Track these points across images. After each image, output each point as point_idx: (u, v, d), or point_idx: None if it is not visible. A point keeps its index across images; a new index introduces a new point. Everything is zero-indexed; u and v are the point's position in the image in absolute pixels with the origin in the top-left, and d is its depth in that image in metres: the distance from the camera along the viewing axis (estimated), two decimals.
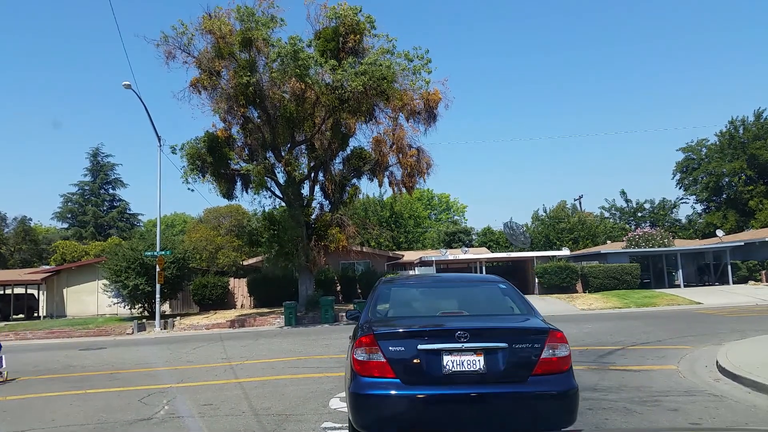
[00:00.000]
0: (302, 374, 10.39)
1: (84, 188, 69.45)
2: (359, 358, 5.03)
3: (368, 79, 20.93)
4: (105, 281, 30.69)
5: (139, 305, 30.42)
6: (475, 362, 4.86)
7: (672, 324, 17.58)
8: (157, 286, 27.22)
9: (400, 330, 5.23)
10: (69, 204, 68.72)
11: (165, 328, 26.80)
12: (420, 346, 4.91)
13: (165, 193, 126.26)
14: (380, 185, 30.89)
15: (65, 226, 68.85)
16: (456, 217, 76.93)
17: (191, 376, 10.95)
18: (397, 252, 43.71)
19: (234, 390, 9.08)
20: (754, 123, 55.21)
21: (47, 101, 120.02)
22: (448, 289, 7.00)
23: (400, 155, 30.72)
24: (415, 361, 4.90)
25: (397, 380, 4.86)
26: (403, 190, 31.85)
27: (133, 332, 26.25)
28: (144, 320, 27.97)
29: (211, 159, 24.97)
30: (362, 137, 47.72)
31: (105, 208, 70.00)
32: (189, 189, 27.34)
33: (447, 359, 4.88)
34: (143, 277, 28.51)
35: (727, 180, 56.32)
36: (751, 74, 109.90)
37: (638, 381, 8.71)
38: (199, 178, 25.49)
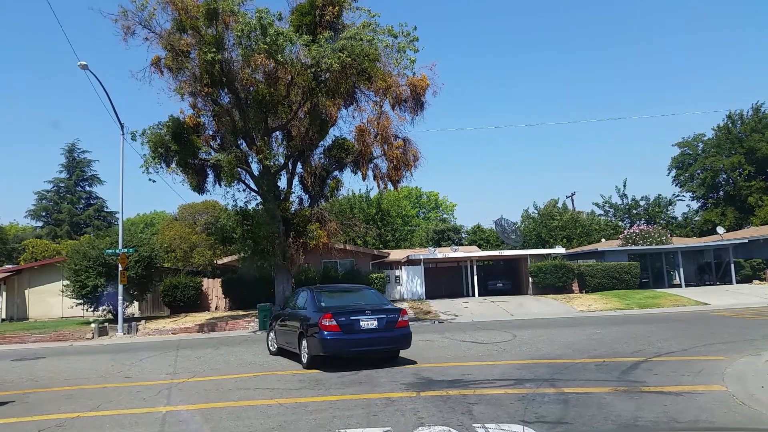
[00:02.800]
0: (250, 401, 8.15)
1: (59, 185, 66.63)
2: (324, 323, 10.64)
3: (347, 56, 18.69)
4: (66, 281, 28.32)
5: (103, 307, 28.06)
6: (374, 323, 10.91)
7: (690, 329, 15.54)
8: (120, 287, 24.93)
9: (343, 310, 11.06)
10: (43, 202, 65.88)
11: (128, 333, 24.55)
12: (351, 317, 10.84)
13: (143, 190, 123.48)
14: (364, 178, 28.70)
15: (40, 224, 66.09)
16: (445, 216, 74.89)
17: (114, 400, 8.73)
18: (383, 250, 41.48)
19: (151, 426, 6.85)
20: (752, 117, 53.55)
21: (21, 96, 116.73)
22: (347, 293, 13.77)
23: (386, 146, 28.60)
24: (349, 323, 10.75)
25: (341, 332, 10.66)
26: (389, 184, 29.75)
27: (93, 337, 24.01)
28: (106, 324, 25.63)
29: (176, 147, 22.64)
30: (344, 126, 45.26)
31: (81, 206, 67.22)
32: (150, 180, 24.92)
33: (362, 322, 10.85)
34: (104, 277, 26.19)
35: (725, 176, 54.60)
36: (749, 72, 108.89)
37: (689, 410, 6.57)
38: (162, 168, 23.14)
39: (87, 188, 68.53)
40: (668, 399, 7.25)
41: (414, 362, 11.30)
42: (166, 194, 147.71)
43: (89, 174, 68.22)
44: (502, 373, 9.46)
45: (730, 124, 54.96)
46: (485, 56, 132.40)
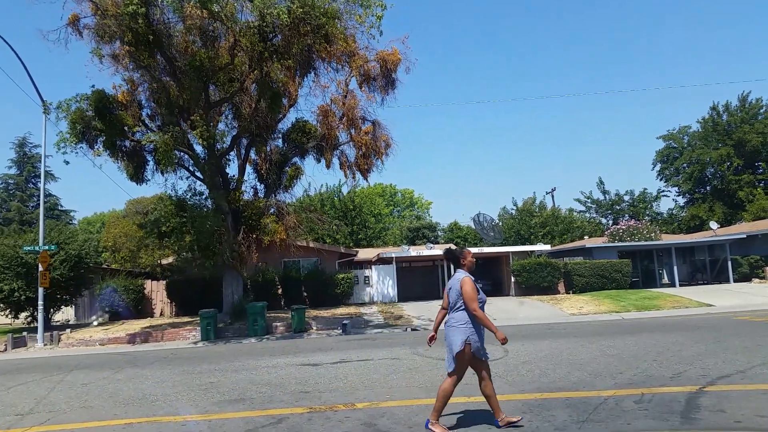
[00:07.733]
0: None
1: (8, 182, 62.42)
2: None
3: (298, 7, 15.35)
4: None
5: (26, 314, 24.35)
6: None
7: (723, 339, 12.39)
8: (40, 290, 21.32)
9: None
10: None
11: (51, 343, 21.01)
12: None
13: (105, 188, 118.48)
14: (328, 166, 25.43)
15: None
16: (420, 214, 71.86)
17: None
18: (351, 248, 38.10)
19: None
20: (739, 107, 51.37)
21: None
22: None
23: (353, 130, 25.45)
24: None
25: None
26: (358, 174, 26.57)
27: (6, 349, 20.52)
28: (25, 333, 21.98)
29: (100, 124, 19.06)
30: (305, 106, 41.81)
31: (32, 204, 62.89)
32: (65, 162, 21.25)
33: None
34: (23, 279, 22.49)
35: (712, 170, 52.29)
36: (735, 66, 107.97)
37: None
38: (84, 149, 19.53)
39: (39, 185, 64.25)
40: None
41: (369, 397, 7.89)
42: (126, 190, 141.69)
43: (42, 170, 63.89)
44: None
45: (716, 116, 52.77)
46: (466, 48, 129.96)
